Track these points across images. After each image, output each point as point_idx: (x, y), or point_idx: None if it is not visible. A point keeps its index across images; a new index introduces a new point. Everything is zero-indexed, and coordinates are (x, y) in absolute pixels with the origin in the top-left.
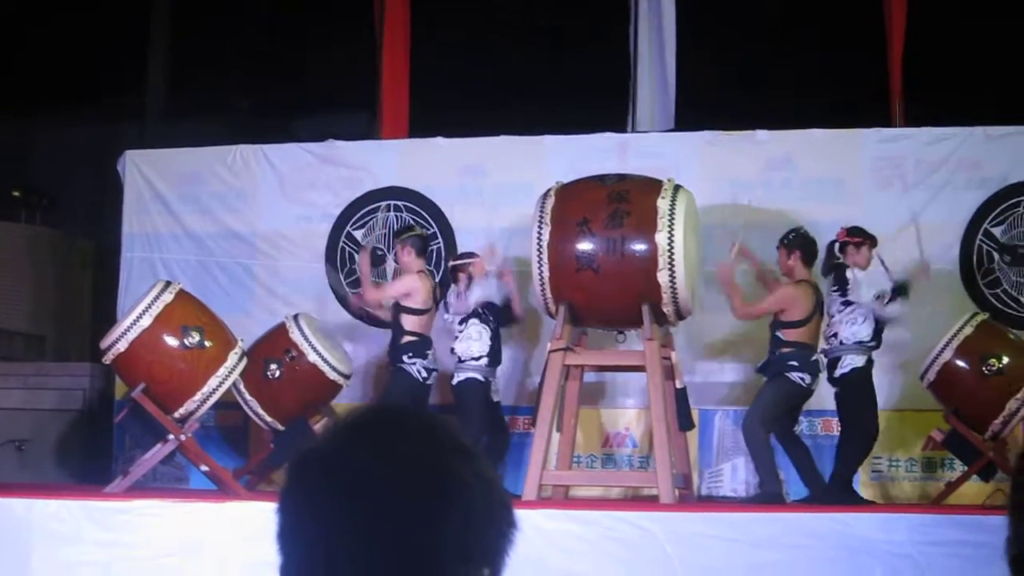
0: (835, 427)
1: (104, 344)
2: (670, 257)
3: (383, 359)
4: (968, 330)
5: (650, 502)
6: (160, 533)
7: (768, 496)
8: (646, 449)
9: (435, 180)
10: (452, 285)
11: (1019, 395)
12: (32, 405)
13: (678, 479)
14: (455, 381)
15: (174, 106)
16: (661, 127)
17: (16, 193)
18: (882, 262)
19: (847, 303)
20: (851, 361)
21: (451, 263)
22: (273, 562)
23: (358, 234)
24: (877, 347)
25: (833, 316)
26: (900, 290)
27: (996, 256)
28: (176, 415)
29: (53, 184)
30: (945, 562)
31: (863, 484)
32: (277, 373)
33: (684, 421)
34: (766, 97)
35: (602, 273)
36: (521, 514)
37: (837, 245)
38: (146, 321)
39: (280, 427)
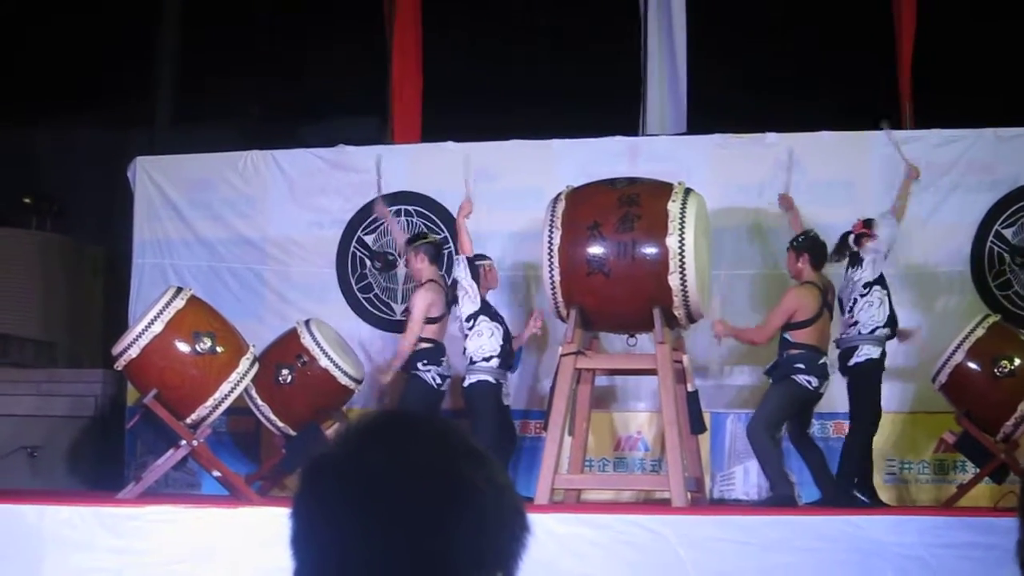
0: (847, 429)
1: (116, 350)
2: (681, 260)
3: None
4: (979, 332)
5: (662, 505)
6: (172, 539)
7: (780, 499)
8: (658, 452)
9: (445, 184)
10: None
11: None
12: (44, 412)
13: (690, 482)
14: (466, 383)
15: (184, 112)
16: (673, 130)
17: (27, 200)
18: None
19: (867, 285)
20: (867, 352)
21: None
22: (286, 567)
23: (369, 239)
24: (892, 336)
25: (854, 303)
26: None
27: (1007, 258)
28: (188, 421)
29: (63, 190)
30: (957, 564)
31: (876, 487)
32: (289, 378)
33: (696, 424)
34: (775, 100)
35: (613, 277)
36: (533, 518)
37: (852, 237)
38: (158, 327)
39: (292, 432)
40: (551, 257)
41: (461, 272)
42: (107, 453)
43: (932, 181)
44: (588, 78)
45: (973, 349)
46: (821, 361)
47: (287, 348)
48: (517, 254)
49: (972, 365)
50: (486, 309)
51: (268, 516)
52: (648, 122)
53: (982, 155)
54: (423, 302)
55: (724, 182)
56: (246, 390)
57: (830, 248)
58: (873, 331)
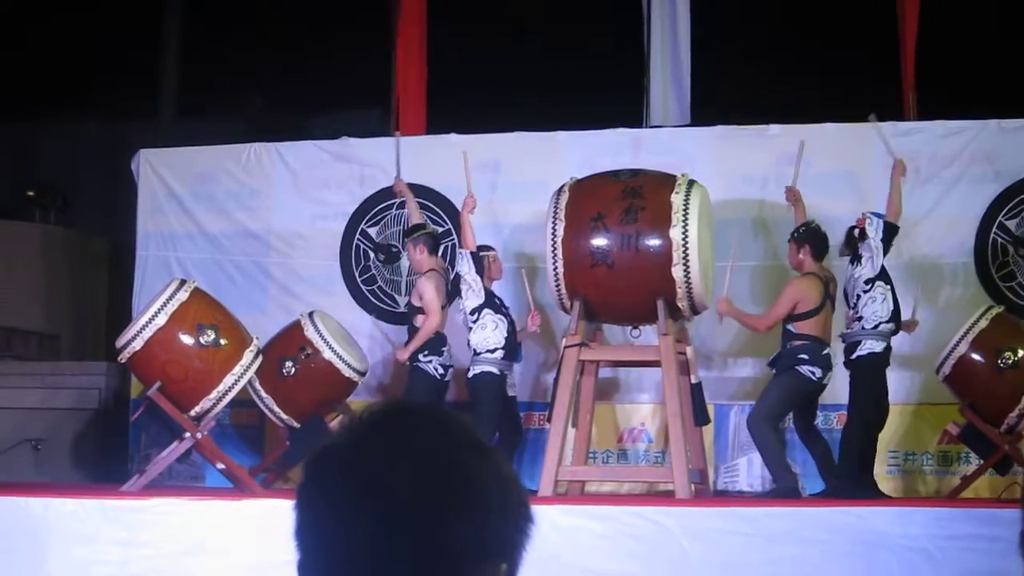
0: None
1: (119, 343)
2: (684, 252)
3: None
4: (983, 323)
5: (666, 497)
6: (176, 531)
7: (784, 491)
8: (662, 444)
9: (448, 177)
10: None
11: None
12: (48, 404)
13: (694, 474)
14: (470, 375)
15: (187, 104)
16: (677, 122)
17: (30, 193)
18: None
19: (868, 281)
20: (870, 346)
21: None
22: (290, 560)
23: (372, 231)
24: (896, 331)
25: (858, 299)
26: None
27: (1011, 249)
28: (192, 413)
29: (67, 183)
30: (961, 556)
31: (879, 478)
32: (292, 371)
33: (700, 416)
34: (779, 91)
35: (617, 269)
36: (537, 510)
37: (857, 231)
38: (161, 320)
39: (296, 425)
40: (555, 249)
41: (465, 267)
42: (111, 446)
43: (936, 172)
44: (592, 70)
45: (977, 340)
46: (824, 352)
47: (291, 340)
48: (521, 246)
49: (976, 357)
50: (490, 302)
51: (272, 508)
52: (651, 114)
53: (986, 147)
54: (431, 286)
55: (728, 174)
56: (250, 382)
57: (832, 241)
58: (876, 326)
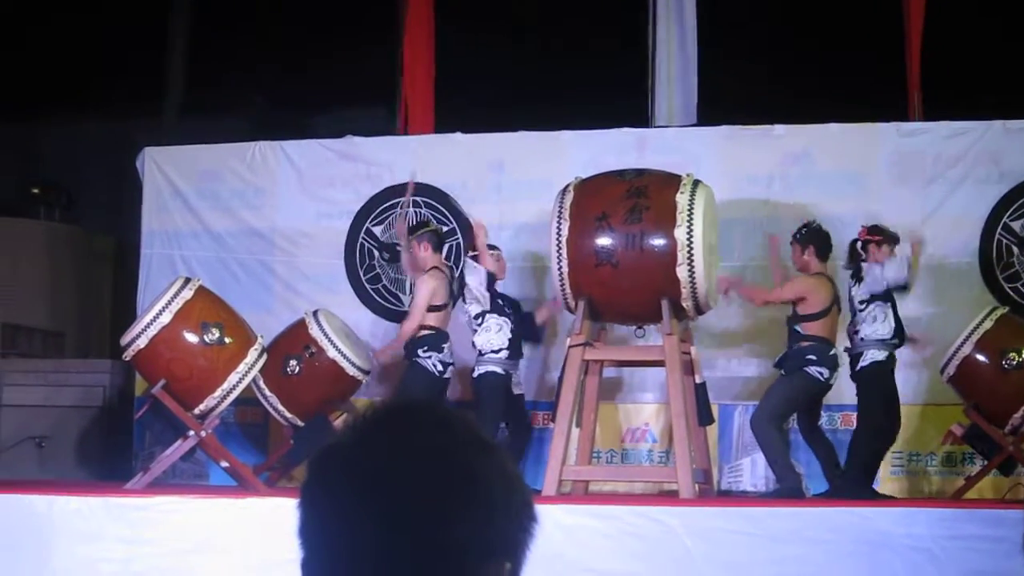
0: (855, 421)
1: (124, 340)
2: (689, 252)
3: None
4: (988, 324)
5: (670, 497)
6: (180, 529)
7: (788, 491)
8: (666, 444)
9: (453, 176)
10: (466, 281)
11: None
12: (52, 402)
13: (698, 474)
14: (475, 374)
15: (192, 102)
16: (683, 122)
17: (35, 190)
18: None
19: (863, 302)
20: (872, 355)
21: (469, 254)
22: (293, 558)
23: (377, 230)
24: (900, 344)
25: (855, 314)
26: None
27: (1015, 250)
28: (196, 411)
29: (72, 181)
30: (964, 556)
31: (884, 479)
32: (297, 369)
33: (704, 416)
34: (783, 91)
35: (621, 268)
36: (541, 509)
37: (859, 243)
38: (166, 318)
39: (300, 423)
40: (559, 248)
41: (475, 280)
42: (115, 443)
43: (940, 173)
44: (597, 70)
45: (981, 341)
46: (832, 353)
47: (295, 339)
48: (526, 245)
49: (980, 357)
50: (494, 305)
51: (276, 506)
52: (657, 114)
53: (991, 147)
54: (426, 289)
55: (732, 174)
56: (254, 381)
57: (835, 240)
58: (877, 341)
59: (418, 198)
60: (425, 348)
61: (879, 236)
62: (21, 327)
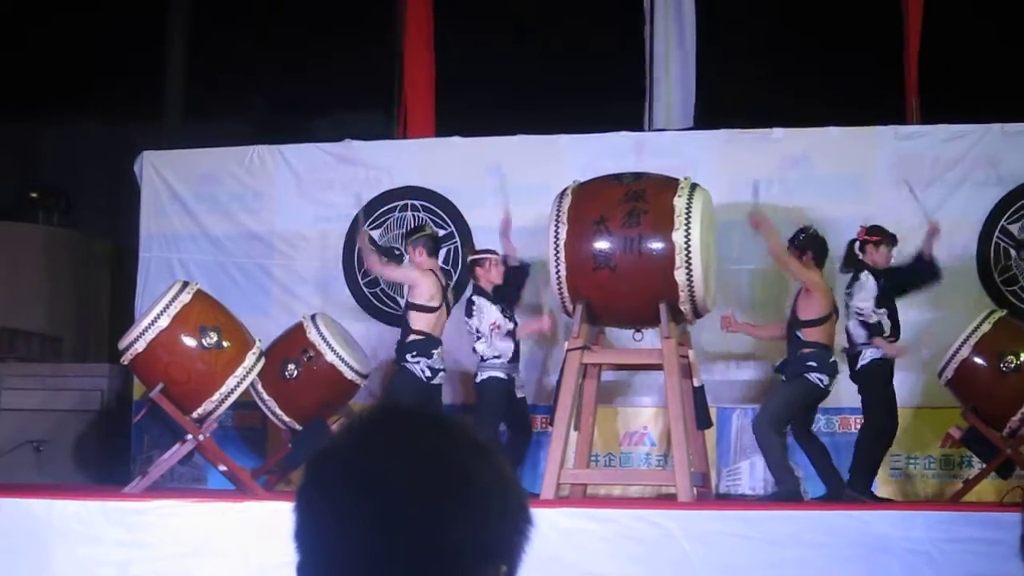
0: (853, 424)
1: (122, 344)
2: (687, 255)
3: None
4: (985, 327)
5: (668, 500)
6: (178, 533)
7: (786, 494)
8: (664, 448)
9: (452, 180)
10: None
11: None
12: (50, 406)
13: (696, 477)
14: (478, 379)
15: (190, 106)
16: (681, 125)
17: (33, 194)
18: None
19: (861, 311)
20: (870, 355)
21: (469, 258)
22: (290, 561)
23: (375, 234)
24: (896, 340)
25: (850, 318)
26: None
27: (1013, 253)
28: (194, 415)
29: (70, 185)
30: (962, 559)
31: (882, 482)
32: (295, 373)
33: (702, 419)
34: (782, 94)
35: (619, 272)
36: (539, 513)
37: (857, 244)
38: (164, 321)
39: (298, 427)
40: (557, 252)
41: (484, 324)
42: (113, 447)
43: (938, 176)
44: (595, 73)
45: (979, 344)
46: (832, 359)
47: (293, 343)
48: (524, 249)
49: (978, 360)
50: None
51: (274, 510)
52: (654, 117)
53: (989, 150)
54: (401, 274)
55: (731, 177)
56: (252, 385)
57: (835, 244)
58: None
59: (416, 202)
60: (414, 353)
61: (877, 236)
62: (19, 331)
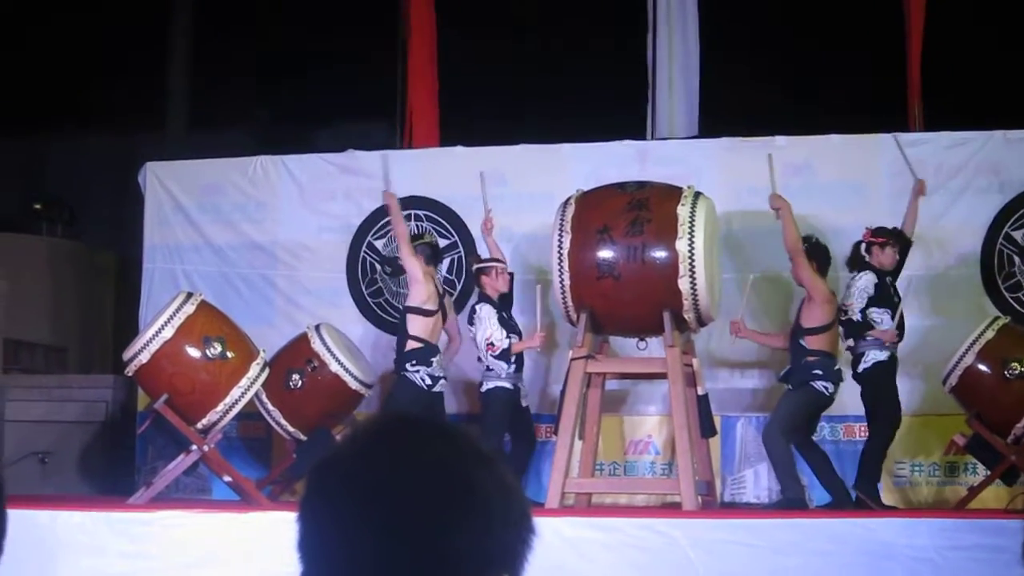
0: (857, 432)
1: (126, 355)
2: (691, 264)
3: None
4: (989, 334)
5: (673, 509)
6: (183, 544)
7: (791, 502)
8: (668, 456)
9: (455, 189)
10: (473, 315)
11: None
12: (55, 417)
13: (701, 486)
14: (483, 388)
15: (194, 117)
16: (685, 133)
17: (37, 206)
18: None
19: (862, 311)
20: (874, 356)
21: (475, 266)
22: (295, 572)
23: (379, 244)
24: (899, 340)
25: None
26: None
27: (1017, 260)
28: (198, 426)
29: (73, 196)
30: (967, 566)
31: (886, 489)
32: (299, 383)
33: (706, 428)
34: (784, 102)
35: (623, 280)
36: (543, 522)
37: (863, 245)
38: (168, 332)
39: (302, 437)
40: (561, 261)
41: (482, 334)
42: (118, 458)
43: (941, 183)
44: (598, 82)
45: (983, 351)
46: (836, 367)
47: (297, 353)
48: (528, 258)
49: (982, 367)
50: (502, 323)
51: (278, 521)
52: (657, 126)
53: (992, 157)
54: (419, 275)
55: (734, 185)
56: (257, 395)
57: (839, 252)
58: (879, 341)
59: (419, 211)
60: (413, 362)
61: (883, 238)
62: (23, 343)
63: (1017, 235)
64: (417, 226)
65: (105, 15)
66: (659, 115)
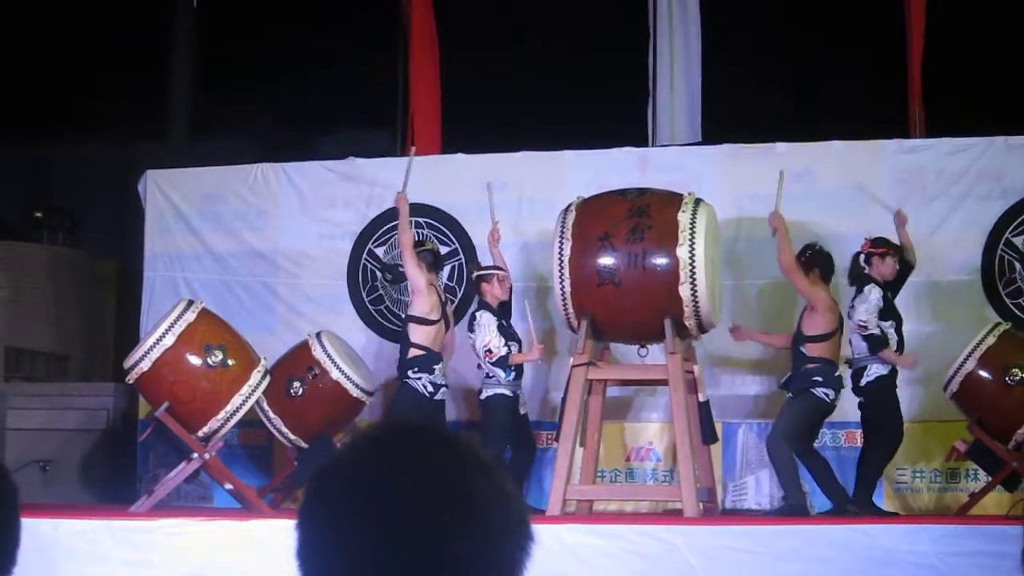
0: (858, 438)
1: (127, 363)
2: (691, 271)
3: None
4: (990, 340)
5: (674, 516)
6: (184, 552)
7: (792, 508)
8: (670, 463)
9: (456, 196)
10: (474, 322)
11: None
12: (56, 425)
13: (702, 493)
14: (482, 396)
15: (196, 124)
16: (687, 140)
17: (38, 214)
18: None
19: (864, 323)
20: (876, 370)
21: (476, 274)
22: None
23: (380, 251)
24: (901, 353)
25: (852, 331)
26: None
27: (1018, 266)
28: (200, 434)
29: (74, 204)
30: (968, 572)
31: (887, 496)
32: (300, 391)
33: (707, 434)
34: (785, 108)
35: (624, 287)
36: (545, 529)
37: (862, 256)
38: (169, 340)
39: (304, 445)
40: (561, 268)
41: (481, 341)
42: (119, 466)
43: (943, 190)
44: (599, 89)
45: (984, 357)
46: (837, 374)
47: (298, 360)
48: (528, 265)
49: (983, 373)
50: (501, 330)
51: (280, 528)
52: (658, 132)
53: (993, 163)
54: (420, 285)
55: (735, 192)
56: (258, 403)
57: (839, 258)
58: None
59: (421, 219)
60: (415, 369)
61: (882, 248)
62: (25, 351)
63: (1018, 241)
64: (418, 233)
65: (105, 16)
66: (660, 121)
